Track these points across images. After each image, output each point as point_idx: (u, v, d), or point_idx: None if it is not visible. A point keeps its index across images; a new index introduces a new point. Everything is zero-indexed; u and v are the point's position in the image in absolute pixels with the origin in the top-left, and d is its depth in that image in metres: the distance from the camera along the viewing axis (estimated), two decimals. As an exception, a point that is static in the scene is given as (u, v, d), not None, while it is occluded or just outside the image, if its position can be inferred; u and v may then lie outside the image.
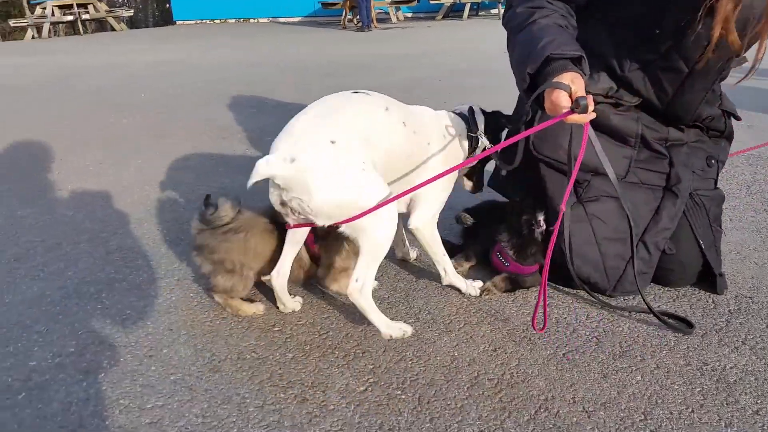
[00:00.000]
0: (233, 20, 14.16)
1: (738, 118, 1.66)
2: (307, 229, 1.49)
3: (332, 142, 1.29)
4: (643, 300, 1.48)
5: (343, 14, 10.97)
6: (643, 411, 1.19)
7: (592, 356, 1.37)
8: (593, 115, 1.24)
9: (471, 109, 1.64)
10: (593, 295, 1.57)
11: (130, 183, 2.63)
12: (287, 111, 1.60)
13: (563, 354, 1.38)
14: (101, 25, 13.05)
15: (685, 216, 1.58)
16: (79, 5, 11.66)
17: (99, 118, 3.94)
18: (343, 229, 1.36)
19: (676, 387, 1.26)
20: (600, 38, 1.52)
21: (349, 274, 1.41)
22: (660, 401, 1.22)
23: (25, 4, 11.73)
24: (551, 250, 1.49)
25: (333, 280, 1.57)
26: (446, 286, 1.66)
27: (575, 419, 1.17)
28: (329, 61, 6.42)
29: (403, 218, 1.60)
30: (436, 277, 1.68)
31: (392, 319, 1.44)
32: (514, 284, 1.64)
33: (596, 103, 1.52)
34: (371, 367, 1.35)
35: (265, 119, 3.76)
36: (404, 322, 1.48)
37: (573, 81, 1.27)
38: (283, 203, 1.35)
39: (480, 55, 6.24)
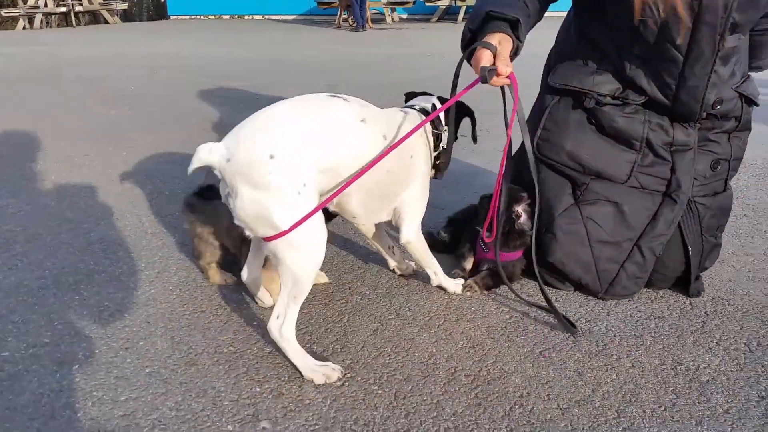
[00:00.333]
0: (227, 16, 14.13)
1: (756, 104, 1.58)
2: None
3: (271, 156, 1.18)
4: (543, 293, 1.50)
5: (338, 13, 10.97)
6: (616, 409, 1.20)
7: (568, 354, 1.37)
8: (507, 81, 1.30)
9: (434, 106, 1.56)
10: (514, 290, 1.60)
11: (116, 175, 2.60)
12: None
13: (540, 352, 1.38)
14: (95, 18, 12.94)
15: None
16: (72, -4, 11.58)
17: (87, 110, 3.91)
18: (266, 251, 1.30)
19: (650, 386, 1.27)
20: (605, 40, 1.53)
21: (277, 282, 1.33)
22: (634, 399, 1.23)
23: (17, -7, 11.63)
24: (536, 254, 1.50)
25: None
26: (429, 284, 1.66)
27: (549, 416, 1.18)
28: (322, 59, 6.41)
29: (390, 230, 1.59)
30: (418, 275, 1.68)
31: (373, 315, 1.43)
32: (496, 281, 1.65)
33: (604, 104, 1.54)
34: (349, 362, 1.34)
35: (255, 115, 3.74)
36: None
37: (500, 42, 1.32)
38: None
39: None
